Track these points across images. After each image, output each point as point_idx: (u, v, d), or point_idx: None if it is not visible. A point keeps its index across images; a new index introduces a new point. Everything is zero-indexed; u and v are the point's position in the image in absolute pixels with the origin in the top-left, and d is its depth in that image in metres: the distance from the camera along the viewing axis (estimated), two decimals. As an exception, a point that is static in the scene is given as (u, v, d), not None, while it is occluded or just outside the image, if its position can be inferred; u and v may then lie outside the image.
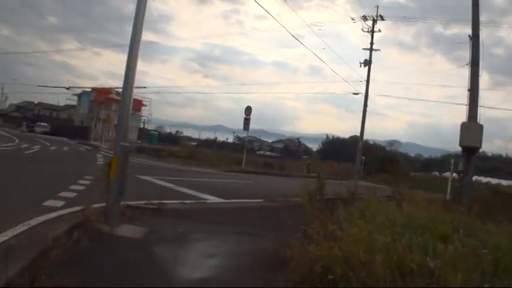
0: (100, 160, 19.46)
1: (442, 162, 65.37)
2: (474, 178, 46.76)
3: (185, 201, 8.76)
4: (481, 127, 13.31)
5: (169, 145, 48.51)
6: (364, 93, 30.25)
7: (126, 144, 6.14)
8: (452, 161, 13.79)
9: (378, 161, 48.49)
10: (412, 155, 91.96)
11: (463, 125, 13.43)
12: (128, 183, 6.13)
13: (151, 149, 32.92)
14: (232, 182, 16.59)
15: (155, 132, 68.45)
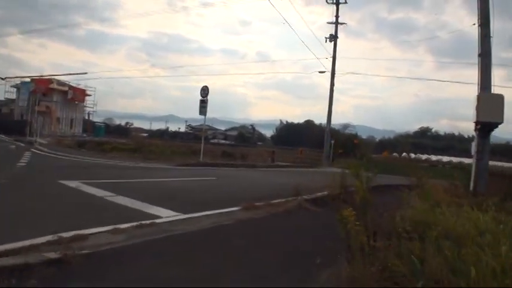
0: (24, 160, 15.63)
1: (396, 143, 65.31)
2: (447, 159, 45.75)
3: (120, 226, 5.45)
4: (502, 98, 10.68)
5: (117, 137, 44.42)
6: (330, 71, 27.56)
7: None
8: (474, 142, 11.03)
9: (341, 145, 46.96)
10: (365, 137, 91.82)
11: (480, 96, 10.75)
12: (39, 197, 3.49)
13: (94, 143, 28.69)
14: (190, 180, 13.19)
15: (101, 124, 63.66)
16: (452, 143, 72.00)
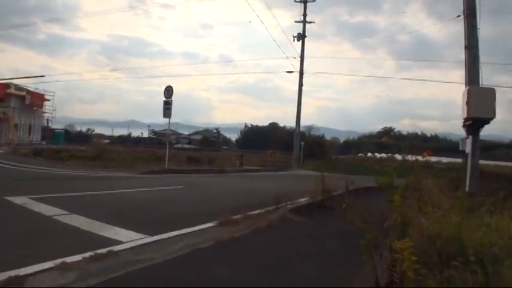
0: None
1: (359, 143, 65.71)
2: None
3: (70, 260, 4.18)
4: (493, 92, 9.92)
5: (78, 144, 42.06)
6: (298, 70, 26.66)
7: None
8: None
9: (308, 147, 46.45)
10: (328, 138, 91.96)
11: (470, 90, 9.94)
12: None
13: (51, 150, 26.64)
14: (156, 190, 11.81)
15: (61, 131, 60.70)
16: (415, 142, 72.83)
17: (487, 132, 11.34)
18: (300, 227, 7.21)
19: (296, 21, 26.35)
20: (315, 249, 5.77)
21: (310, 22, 26.67)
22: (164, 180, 14.99)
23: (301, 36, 25.83)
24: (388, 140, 47.24)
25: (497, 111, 9.88)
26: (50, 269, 3.97)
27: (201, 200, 10.46)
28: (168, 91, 20.64)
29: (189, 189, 12.80)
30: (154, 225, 6.38)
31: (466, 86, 10.70)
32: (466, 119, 10.19)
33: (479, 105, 9.73)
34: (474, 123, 10.04)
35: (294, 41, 26.32)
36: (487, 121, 9.98)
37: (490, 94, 9.83)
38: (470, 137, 10.18)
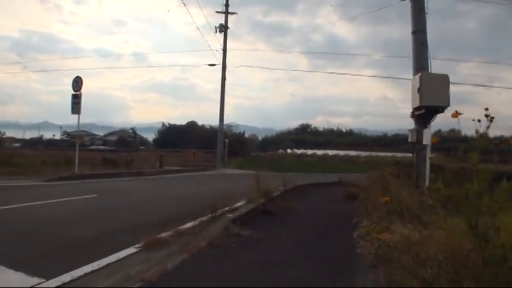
0: None
1: (277, 140, 66.23)
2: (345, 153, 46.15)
3: None
4: (447, 79, 9.09)
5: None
6: (221, 63, 25.17)
7: None
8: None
9: (229, 145, 45.40)
10: (247, 135, 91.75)
11: (423, 76, 9.02)
12: None
13: None
14: (62, 202, 9.66)
15: (-36, 136, 54.17)
16: (331, 138, 74.44)
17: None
18: (251, 245, 5.71)
19: (217, 12, 24.91)
20: (284, 282, 4.26)
21: (232, 13, 25.29)
22: (73, 188, 12.77)
23: (224, 28, 24.37)
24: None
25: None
26: None
27: (118, 212, 8.62)
28: (77, 82, 17.84)
29: (102, 197, 10.79)
30: (54, 259, 4.61)
31: (413, 74, 9.90)
32: (416, 108, 9.32)
33: (433, 93, 8.87)
34: (427, 112, 9.17)
35: (216, 32, 24.88)
36: (441, 110, 9.14)
37: (443, 81, 9.00)
38: (429, 127, 9.30)
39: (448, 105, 8.98)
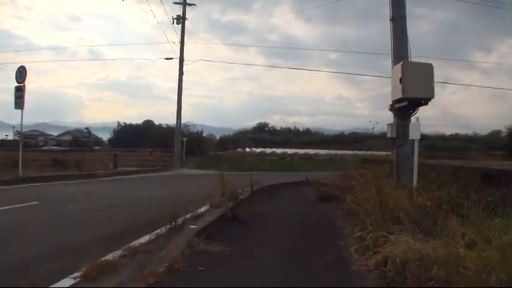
0: None
1: (235, 139, 65.78)
2: (305, 151, 45.65)
3: None
4: (431, 68, 8.28)
5: None
6: (178, 57, 23.90)
7: None
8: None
9: (187, 144, 44.21)
10: (205, 135, 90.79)
11: (405, 65, 8.16)
12: None
13: None
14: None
15: None
16: (289, 137, 74.45)
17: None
18: (222, 268, 4.62)
19: (175, 3, 23.60)
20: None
21: (190, 4, 24.03)
22: (12, 194, 11.26)
23: (181, 19, 23.15)
24: None
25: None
26: None
27: (57, 225, 7.29)
28: (21, 73, 15.75)
29: (43, 206, 9.35)
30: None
31: (393, 64, 9.07)
32: (397, 101, 8.45)
33: (416, 84, 8.04)
34: (409, 105, 8.33)
35: (173, 23, 23.65)
36: (424, 102, 8.33)
37: (427, 70, 8.17)
38: (418, 121, 8.24)
39: (433, 97, 8.19)
